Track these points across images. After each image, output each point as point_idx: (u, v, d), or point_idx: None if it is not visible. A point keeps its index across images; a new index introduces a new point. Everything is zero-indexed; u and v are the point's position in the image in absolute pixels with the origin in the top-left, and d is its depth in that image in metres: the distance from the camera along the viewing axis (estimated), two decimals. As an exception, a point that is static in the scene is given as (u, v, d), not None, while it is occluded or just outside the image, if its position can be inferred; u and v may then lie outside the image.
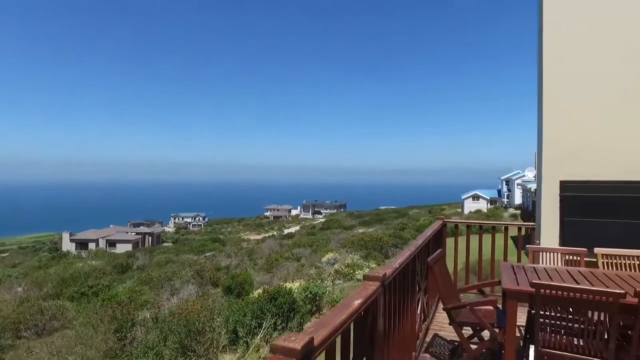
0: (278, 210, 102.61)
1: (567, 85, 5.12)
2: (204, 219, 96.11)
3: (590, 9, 5.04)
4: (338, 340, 1.77)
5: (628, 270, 3.83)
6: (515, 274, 3.51)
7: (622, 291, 2.50)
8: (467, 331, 3.89)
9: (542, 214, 5.22)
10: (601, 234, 4.80)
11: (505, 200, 63.66)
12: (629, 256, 3.80)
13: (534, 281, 2.75)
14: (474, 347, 3.50)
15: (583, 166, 5.00)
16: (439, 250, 3.84)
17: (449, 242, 6.08)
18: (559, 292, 2.66)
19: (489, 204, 61.86)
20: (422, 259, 3.91)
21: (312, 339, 1.44)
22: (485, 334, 3.57)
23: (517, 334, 3.50)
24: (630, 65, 4.86)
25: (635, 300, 2.54)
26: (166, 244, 56.75)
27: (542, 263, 4.55)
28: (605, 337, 2.65)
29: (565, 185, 5.05)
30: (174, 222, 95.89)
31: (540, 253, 4.57)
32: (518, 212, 47.12)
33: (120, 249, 50.94)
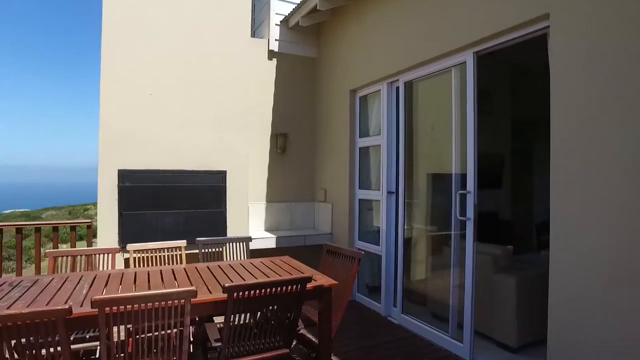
0: None
1: (126, 70, 4.61)
2: None
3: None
4: None
5: (158, 263, 3.54)
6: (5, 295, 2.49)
7: (66, 307, 1.87)
8: None
9: (100, 208, 4.50)
10: (156, 227, 4.52)
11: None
12: (158, 249, 3.50)
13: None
14: None
15: (142, 154, 4.61)
16: None
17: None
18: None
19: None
20: None
21: None
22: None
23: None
24: (178, 59, 4.87)
25: (86, 310, 2.00)
26: None
27: (103, 268, 3.74)
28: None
29: (123, 175, 4.50)
30: None
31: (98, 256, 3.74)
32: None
33: None
